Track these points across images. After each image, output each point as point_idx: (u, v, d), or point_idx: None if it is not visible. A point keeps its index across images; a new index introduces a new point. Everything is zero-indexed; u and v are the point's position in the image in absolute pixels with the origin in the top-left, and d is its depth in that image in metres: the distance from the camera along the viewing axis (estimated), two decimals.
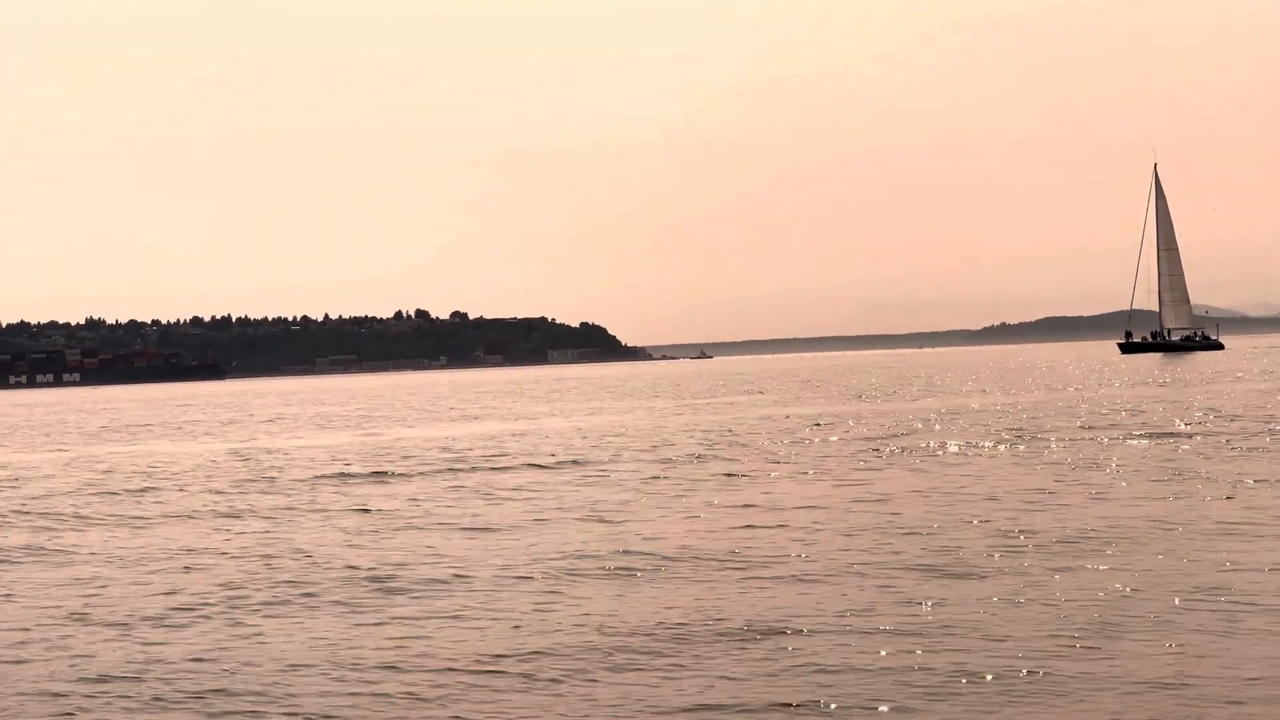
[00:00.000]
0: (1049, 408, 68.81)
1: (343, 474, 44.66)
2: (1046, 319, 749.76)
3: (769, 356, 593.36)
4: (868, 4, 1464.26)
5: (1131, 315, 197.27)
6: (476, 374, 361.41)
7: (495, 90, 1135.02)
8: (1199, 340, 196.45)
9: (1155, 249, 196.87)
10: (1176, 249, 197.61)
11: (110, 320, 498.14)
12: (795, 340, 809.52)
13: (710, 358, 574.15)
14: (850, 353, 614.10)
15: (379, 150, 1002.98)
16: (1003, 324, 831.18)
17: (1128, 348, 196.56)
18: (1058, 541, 23.74)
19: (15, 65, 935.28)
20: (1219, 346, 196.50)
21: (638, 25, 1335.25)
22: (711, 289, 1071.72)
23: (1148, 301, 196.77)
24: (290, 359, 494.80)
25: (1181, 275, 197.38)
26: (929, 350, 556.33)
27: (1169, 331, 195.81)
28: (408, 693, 15.43)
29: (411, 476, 42.82)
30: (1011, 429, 53.07)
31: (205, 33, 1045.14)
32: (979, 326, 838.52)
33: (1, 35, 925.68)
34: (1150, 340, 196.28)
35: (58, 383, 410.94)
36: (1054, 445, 44.67)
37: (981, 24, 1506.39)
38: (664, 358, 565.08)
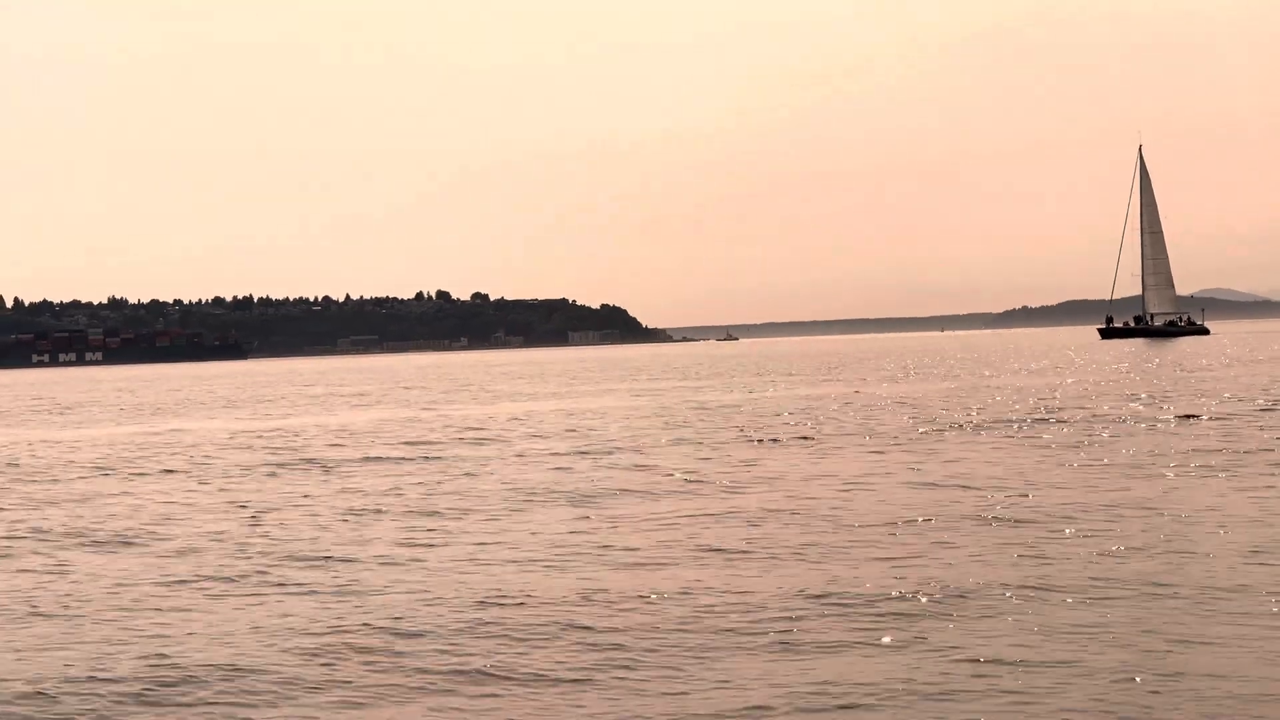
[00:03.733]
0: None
1: None
2: (1069, 302, 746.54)
3: (786, 339, 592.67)
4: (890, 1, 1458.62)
5: (1112, 301, 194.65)
6: (497, 355, 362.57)
7: (519, 75, 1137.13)
8: (1183, 325, 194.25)
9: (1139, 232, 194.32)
10: (1160, 232, 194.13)
11: (132, 300, 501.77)
12: (817, 323, 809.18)
13: (737, 339, 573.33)
14: (870, 336, 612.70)
15: (401, 132, 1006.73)
16: (1024, 307, 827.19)
17: (1108, 333, 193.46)
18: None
19: (34, 51, 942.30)
20: (1204, 331, 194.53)
21: (666, 14, 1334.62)
22: (733, 272, 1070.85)
23: (1132, 286, 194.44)
24: (311, 339, 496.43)
25: (1165, 259, 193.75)
26: (949, 333, 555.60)
27: (1151, 316, 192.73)
28: None
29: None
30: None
31: (229, 19, 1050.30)
32: (1000, 310, 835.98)
33: (22, 21, 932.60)
34: (1132, 325, 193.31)
35: (80, 361, 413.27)
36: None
37: (1003, 22, 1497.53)
38: (685, 339, 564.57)
